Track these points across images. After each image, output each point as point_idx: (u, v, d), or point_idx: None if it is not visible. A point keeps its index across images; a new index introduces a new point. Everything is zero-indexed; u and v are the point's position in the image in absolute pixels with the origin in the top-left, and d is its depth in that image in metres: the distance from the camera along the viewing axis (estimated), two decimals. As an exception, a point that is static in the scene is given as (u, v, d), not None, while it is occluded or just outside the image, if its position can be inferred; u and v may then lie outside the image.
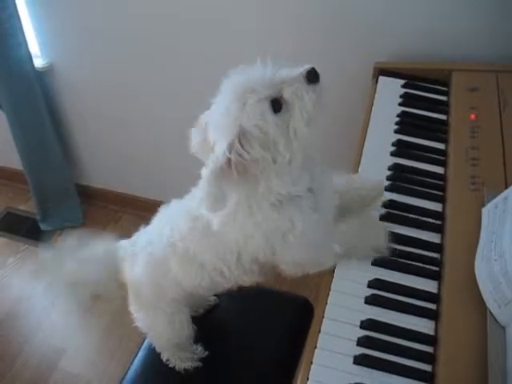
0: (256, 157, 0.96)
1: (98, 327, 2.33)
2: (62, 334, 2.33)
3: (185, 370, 1.45)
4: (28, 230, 2.77)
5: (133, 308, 1.39)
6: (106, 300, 2.38)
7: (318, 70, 0.99)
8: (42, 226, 2.74)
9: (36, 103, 2.34)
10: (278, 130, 0.96)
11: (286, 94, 0.96)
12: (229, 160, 0.95)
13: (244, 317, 1.55)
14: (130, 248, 1.32)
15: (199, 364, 1.45)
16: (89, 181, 2.80)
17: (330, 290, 1.12)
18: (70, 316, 2.43)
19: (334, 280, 1.13)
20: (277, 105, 0.96)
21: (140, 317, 1.38)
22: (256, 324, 1.53)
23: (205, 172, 0.98)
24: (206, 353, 1.47)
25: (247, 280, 1.20)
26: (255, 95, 0.95)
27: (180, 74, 2.06)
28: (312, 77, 0.98)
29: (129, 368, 1.49)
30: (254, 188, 1.02)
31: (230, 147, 0.95)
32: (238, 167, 0.96)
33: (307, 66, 0.99)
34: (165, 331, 1.36)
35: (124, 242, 1.35)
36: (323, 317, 1.07)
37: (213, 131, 1.00)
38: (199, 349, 1.47)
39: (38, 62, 2.29)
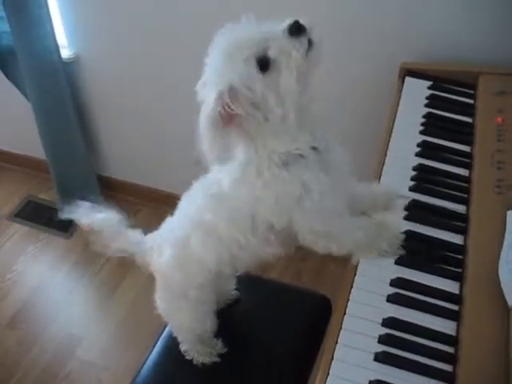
0: (246, 114, 0.96)
1: (115, 316, 2.35)
2: (80, 323, 2.36)
3: (202, 364, 1.46)
4: (48, 219, 2.80)
5: (158, 296, 1.39)
6: (124, 290, 2.42)
7: (304, 22, 0.96)
8: (62, 216, 2.75)
9: (61, 94, 2.37)
10: (267, 88, 0.96)
11: (272, 52, 0.95)
12: (217, 111, 0.95)
13: (263, 312, 1.56)
14: (157, 238, 1.33)
15: (217, 360, 1.46)
16: (110, 172, 2.82)
17: (351, 287, 1.12)
18: (88, 305, 2.45)
19: (356, 277, 1.14)
20: (264, 63, 0.95)
21: (164, 306, 1.39)
22: (274, 319, 1.53)
23: (201, 122, 0.99)
24: (226, 349, 1.47)
25: (268, 251, 1.19)
26: (241, 54, 0.94)
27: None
28: (295, 30, 0.96)
29: (147, 357, 1.51)
30: (254, 146, 1.03)
31: (218, 97, 0.95)
32: (227, 119, 0.97)
33: (289, 20, 0.97)
34: (188, 321, 1.36)
35: (150, 235, 1.36)
36: (345, 313, 1.08)
37: (205, 91, 1.01)
38: (219, 345, 1.47)
39: (65, 53, 2.31)
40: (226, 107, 0.95)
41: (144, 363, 1.50)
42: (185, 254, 1.24)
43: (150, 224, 1.36)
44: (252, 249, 1.17)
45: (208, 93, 0.99)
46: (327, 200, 1.06)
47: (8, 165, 3.08)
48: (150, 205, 2.79)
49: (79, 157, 2.59)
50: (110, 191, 2.83)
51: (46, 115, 2.44)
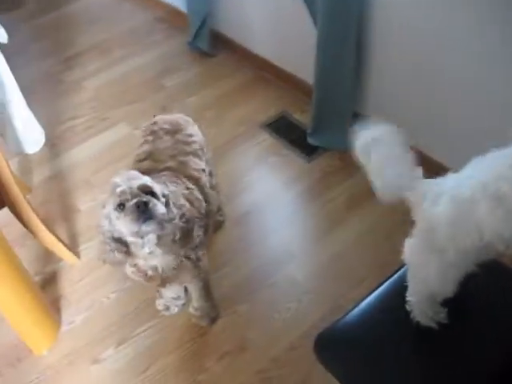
0: None
1: (332, 248, 2.40)
2: (297, 243, 2.47)
3: (417, 324, 1.44)
4: (296, 139, 2.91)
5: (410, 242, 1.38)
6: (347, 227, 2.46)
7: None
8: (309, 140, 2.85)
9: (349, 25, 2.39)
10: None
11: None
12: None
13: (496, 300, 1.48)
14: (435, 187, 1.29)
15: (434, 326, 1.43)
16: (367, 111, 2.77)
17: None
18: (309, 231, 2.55)
19: None
20: None
21: (413, 253, 1.38)
22: (505, 312, 1.45)
23: None
24: (446, 321, 1.43)
25: None
26: None
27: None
28: None
29: (361, 300, 1.52)
30: None
31: None
32: None
33: None
34: (433, 277, 1.33)
35: (427, 180, 1.33)
36: None
37: None
38: (443, 314, 1.43)
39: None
40: None
41: (355, 306, 1.51)
42: (464, 214, 1.20)
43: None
44: None
45: None
46: None
47: (275, 78, 3.25)
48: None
49: (344, 91, 2.62)
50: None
51: (328, 43, 2.48)
